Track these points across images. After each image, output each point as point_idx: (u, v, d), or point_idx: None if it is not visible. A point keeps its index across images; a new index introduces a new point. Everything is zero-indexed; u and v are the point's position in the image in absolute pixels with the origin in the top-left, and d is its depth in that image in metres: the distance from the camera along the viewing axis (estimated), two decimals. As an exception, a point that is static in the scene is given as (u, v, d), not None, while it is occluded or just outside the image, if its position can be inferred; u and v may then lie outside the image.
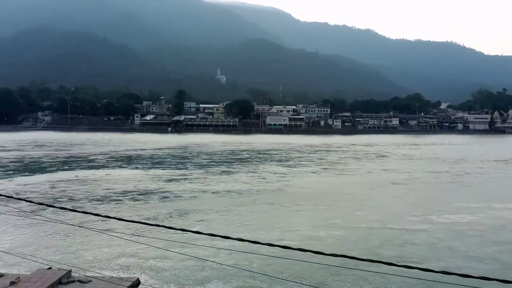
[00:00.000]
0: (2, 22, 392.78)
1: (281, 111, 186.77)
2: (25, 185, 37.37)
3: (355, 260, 5.35)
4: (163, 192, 34.34)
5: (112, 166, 52.79)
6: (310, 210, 28.22)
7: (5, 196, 8.97)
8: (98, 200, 31.10)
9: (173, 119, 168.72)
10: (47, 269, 16.86)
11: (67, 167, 50.90)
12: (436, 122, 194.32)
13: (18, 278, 16.24)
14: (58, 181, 39.77)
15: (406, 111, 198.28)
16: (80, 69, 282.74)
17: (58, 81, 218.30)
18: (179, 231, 6.56)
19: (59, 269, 16.56)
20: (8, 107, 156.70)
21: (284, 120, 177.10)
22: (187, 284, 15.77)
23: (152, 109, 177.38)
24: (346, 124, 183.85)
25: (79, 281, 16.23)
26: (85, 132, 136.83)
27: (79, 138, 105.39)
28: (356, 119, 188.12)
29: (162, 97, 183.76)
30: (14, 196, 29.62)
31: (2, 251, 14.70)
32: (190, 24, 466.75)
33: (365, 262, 5.58)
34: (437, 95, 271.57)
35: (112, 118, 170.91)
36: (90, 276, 15.96)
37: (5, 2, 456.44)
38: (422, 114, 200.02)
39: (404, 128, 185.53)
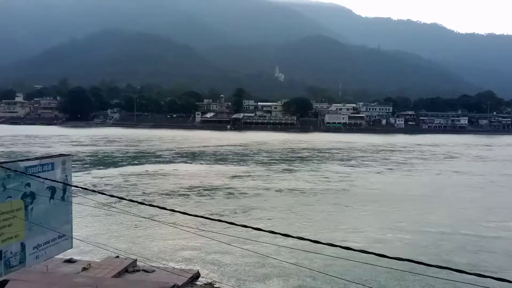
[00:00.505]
0: (76, 25, 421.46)
1: (341, 109, 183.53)
2: (101, 178, 40.23)
3: (422, 265, 5.15)
4: (227, 188, 35.40)
5: (178, 162, 55.21)
6: (376, 211, 27.78)
7: (83, 188, 9.77)
8: (166, 194, 32.78)
9: (232, 116, 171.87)
10: (115, 257, 18.31)
11: (137, 162, 54.01)
12: (510, 122, 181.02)
13: (89, 264, 17.80)
14: (129, 175, 42.39)
15: (476, 110, 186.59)
16: (145, 68, 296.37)
17: (126, 80, 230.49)
18: (241, 227, 6.75)
19: (126, 258, 17.92)
20: (81, 105, 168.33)
21: (343, 118, 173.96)
22: (246, 280, 16.16)
23: (212, 107, 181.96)
24: (410, 123, 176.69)
25: (143, 270, 17.45)
26: (150, 129, 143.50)
27: (145, 135, 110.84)
28: (421, 118, 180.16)
29: (221, 95, 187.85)
30: (92, 188, 32.21)
31: (79, 239, 16.16)
32: (249, 22, 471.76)
33: (434, 268, 5.26)
34: (511, 93, 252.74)
35: (174, 115, 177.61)
36: (154, 266, 17.13)
37: (79, 6, 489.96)
38: (495, 113, 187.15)
39: (473, 128, 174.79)
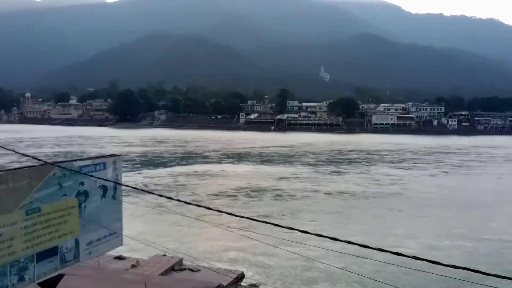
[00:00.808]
0: (125, 29, 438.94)
1: (389, 109, 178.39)
2: (151, 178, 41.59)
3: (481, 274, 4.87)
4: (275, 190, 35.42)
5: (225, 162, 56.00)
6: (432, 217, 26.72)
7: (133, 188, 9.99)
8: (214, 194, 33.28)
9: (276, 117, 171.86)
10: (162, 255, 18.76)
11: (185, 162, 55.35)
12: None
13: (138, 262, 18.35)
14: (178, 175, 43.50)
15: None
16: (191, 70, 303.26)
17: (172, 82, 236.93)
18: (288, 230, 6.66)
19: (173, 257, 18.32)
20: (130, 107, 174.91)
21: (391, 119, 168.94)
22: (292, 283, 15.99)
23: (256, 108, 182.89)
24: (463, 124, 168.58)
25: (189, 269, 17.76)
26: (195, 130, 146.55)
27: (191, 136, 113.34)
28: (476, 118, 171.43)
29: (265, 96, 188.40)
30: (142, 188, 33.39)
31: (129, 237, 16.74)
32: (294, 22, 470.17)
33: (493, 278, 5.00)
34: None
35: (219, 116, 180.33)
36: (199, 265, 17.38)
37: (127, 11, 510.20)
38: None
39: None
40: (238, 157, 63.73)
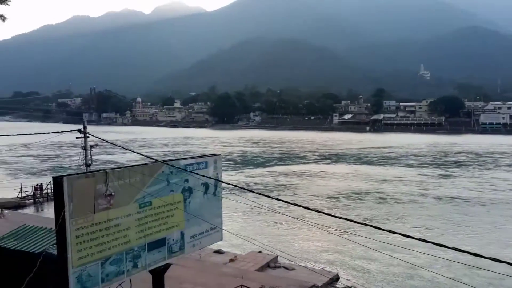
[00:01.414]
0: (223, 36, 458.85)
1: (500, 108, 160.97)
2: (252, 177, 42.84)
3: None
4: (378, 192, 34.11)
5: (323, 163, 55.53)
6: None
7: (233, 185, 10.05)
8: (314, 195, 33.09)
9: (372, 118, 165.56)
10: (258, 252, 19.06)
11: (283, 163, 56.07)
12: None
13: (235, 256, 18.86)
14: (278, 175, 44.21)
15: None
16: (285, 72, 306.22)
17: (266, 85, 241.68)
18: (391, 234, 6.22)
19: (268, 254, 18.51)
20: (227, 109, 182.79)
21: (503, 118, 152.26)
22: None
23: (350, 108, 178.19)
24: None
25: (284, 267, 17.77)
26: (289, 131, 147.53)
27: (285, 136, 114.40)
28: None
29: (360, 96, 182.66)
30: (241, 186, 34.50)
31: (230, 233, 17.28)
32: (391, 19, 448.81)
33: None
34: None
35: (312, 117, 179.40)
36: (294, 264, 17.29)
37: (225, 19, 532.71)
38: None
39: None
40: (336, 158, 62.63)
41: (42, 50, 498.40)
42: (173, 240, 11.17)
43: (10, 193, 33.67)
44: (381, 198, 31.78)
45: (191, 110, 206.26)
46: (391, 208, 28.35)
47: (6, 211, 27.74)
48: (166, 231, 10.89)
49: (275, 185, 37.97)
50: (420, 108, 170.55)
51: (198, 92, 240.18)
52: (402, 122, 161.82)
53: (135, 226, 9.97)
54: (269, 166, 52.42)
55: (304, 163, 55.52)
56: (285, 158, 62.29)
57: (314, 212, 7.05)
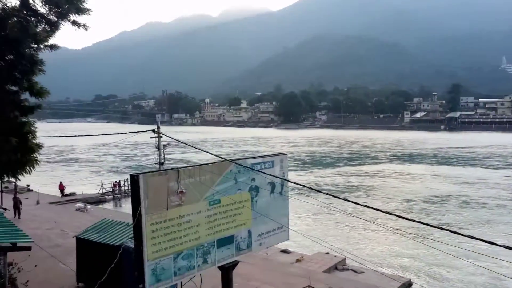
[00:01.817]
0: (288, 35, 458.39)
1: None
2: (322, 177, 42.44)
3: None
4: (460, 196, 32.15)
5: (397, 164, 53.44)
6: None
7: (300, 185, 9.77)
8: (389, 197, 31.94)
9: (447, 116, 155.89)
10: (325, 253, 18.70)
11: (353, 163, 54.84)
12: None
13: (302, 257, 18.67)
14: (349, 175, 43.38)
15: None
16: (352, 70, 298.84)
17: (333, 83, 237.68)
18: (474, 241, 5.72)
19: (336, 255, 18.08)
20: (293, 108, 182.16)
21: None
22: None
23: (423, 105, 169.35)
24: None
25: (352, 270, 17.24)
26: (356, 130, 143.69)
27: (354, 136, 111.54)
28: None
29: (434, 93, 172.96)
30: (309, 186, 33.83)
31: (297, 233, 17.18)
32: (467, 10, 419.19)
33: None
34: None
35: (381, 116, 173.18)
36: (363, 267, 16.69)
37: (291, 17, 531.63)
38: None
39: None
40: (410, 158, 59.84)
41: (119, 55, 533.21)
42: (241, 238, 11.39)
43: (92, 189, 36.42)
44: (464, 202, 29.76)
45: (257, 110, 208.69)
46: (476, 213, 26.44)
47: (89, 206, 30.12)
48: (234, 229, 11.14)
49: (346, 186, 37.19)
50: (502, 104, 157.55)
51: (264, 91, 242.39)
52: (481, 120, 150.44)
53: (205, 223, 10.31)
54: (339, 166, 51.51)
55: (376, 163, 53.76)
56: (356, 158, 60.78)
57: (387, 214, 6.80)
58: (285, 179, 12.51)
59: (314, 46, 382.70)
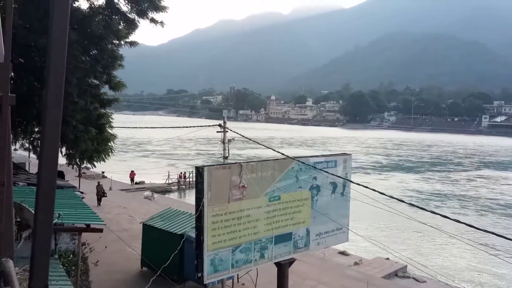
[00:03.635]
0: (361, 33, 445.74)
1: None
2: (405, 183, 40.90)
3: None
4: None
5: (488, 171, 50.00)
6: None
7: (363, 186, 8.64)
8: (484, 209, 29.96)
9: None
10: (385, 259, 17.97)
11: (436, 169, 52.18)
12: None
13: (361, 260, 18.11)
14: (434, 182, 41.47)
15: None
16: (426, 69, 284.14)
17: (404, 83, 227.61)
18: None
19: (397, 262, 17.29)
20: (360, 108, 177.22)
21: None
22: None
23: (504, 109, 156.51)
24: None
25: (414, 278, 16.37)
26: (427, 133, 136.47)
27: (428, 139, 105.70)
28: None
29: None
30: (372, 188, 32.60)
31: (357, 235, 16.71)
32: None
33: None
34: None
35: (456, 119, 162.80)
36: (425, 276, 15.78)
37: (363, 15, 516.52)
38: None
39: None
40: (501, 165, 55.40)
41: (192, 52, 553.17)
42: (299, 235, 11.37)
43: (160, 179, 38.29)
44: None
45: (322, 108, 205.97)
46: None
47: (155, 195, 31.72)
48: (292, 226, 11.15)
49: (433, 193, 35.46)
50: None
51: (331, 90, 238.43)
52: None
53: (264, 219, 10.44)
54: (421, 171, 49.26)
55: (464, 170, 50.50)
56: (438, 163, 57.83)
57: (467, 226, 6.39)
58: (348, 180, 12.26)
59: (386, 45, 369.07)
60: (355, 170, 48.05)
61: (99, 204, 24.71)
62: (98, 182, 26.39)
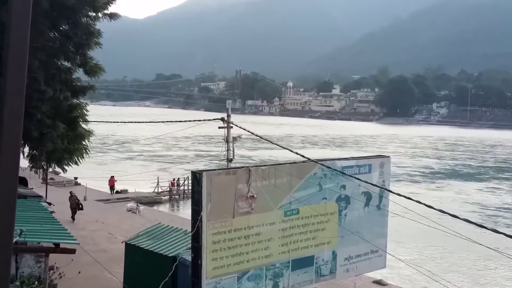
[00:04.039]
0: (401, 3, 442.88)
1: None
2: (466, 194, 40.56)
3: None
4: None
5: None
6: None
7: (407, 198, 8.56)
8: None
9: None
10: None
11: (504, 176, 51.70)
12: None
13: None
14: (503, 193, 41.11)
15: None
16: (485, 49, 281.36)
17: (457, 65, 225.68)
18: None
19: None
20: (401, 97, 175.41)
21: None
22: None
23: None
24: None
25: None
26: (488, 129, 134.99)
27: (491, 138, 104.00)
28: None
29: None
30: (416, 199, 32.20)
31: (402, 261, 16.61)
32: None
33: None
34: None
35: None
36: None
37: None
38: None
39: None
40: None
41: (187, 27, 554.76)
42: (322, 260, 11.34)
43: (147, 186, 38.45)
44: None
45: (353, 98, 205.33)
46: None
47: (141, 207, 31.91)
48: (314, 248, 11.12)
49: (499, 207, 35.19)
50: None
51: (364, 75, 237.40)
52: None
53: (279, 238, 10.42)
54: (486, 180, 48.80)
55: None
56: (506, 169, 57.45)
57: None
58: (385, 189, 12.19)
59: (434, 17, 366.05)
60: (398, 177, 47.87)
61: (73, 219, 24.84)
62: (71, 192, 26.50)
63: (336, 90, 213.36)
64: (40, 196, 18.00)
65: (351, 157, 12.86)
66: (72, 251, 9.85)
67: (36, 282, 9.46)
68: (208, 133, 77.69)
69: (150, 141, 66.61)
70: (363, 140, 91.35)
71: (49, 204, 16.81)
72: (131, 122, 23.84)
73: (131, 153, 65.62)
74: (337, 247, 11.58)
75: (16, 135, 2.32)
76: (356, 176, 11.52)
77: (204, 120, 16.81)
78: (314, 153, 60.77)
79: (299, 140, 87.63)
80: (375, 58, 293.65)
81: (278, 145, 13.67)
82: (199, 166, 49.73)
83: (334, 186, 11.42)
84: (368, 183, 11.50)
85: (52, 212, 13.87)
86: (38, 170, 20.02)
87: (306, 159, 10.74)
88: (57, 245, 9.72)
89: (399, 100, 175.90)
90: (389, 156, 13.18)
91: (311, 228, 11.03)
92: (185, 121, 18.05)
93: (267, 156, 58.58)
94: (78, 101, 17.11)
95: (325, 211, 11.26)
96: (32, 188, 19.85)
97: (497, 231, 7.28)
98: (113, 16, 16.42)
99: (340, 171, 11.27)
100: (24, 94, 2.29)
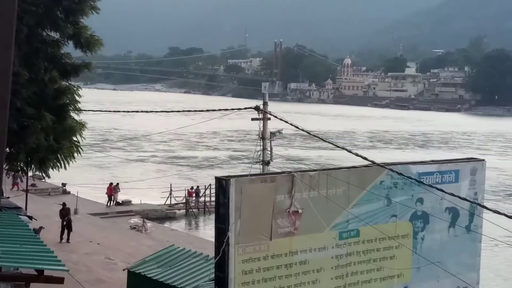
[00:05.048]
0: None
1: None
2: None
3: None
4: None
5: None
6: None
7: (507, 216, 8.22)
8: None
9: None
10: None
11: None
12: None
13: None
14: None
15: None
16: None
17: None
18: None
19: None
20: (501, 80, 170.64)
21: None
22: None
23: None
24: None
25: None
26: None
27: None
28: None
29: None
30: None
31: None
32: None
33: None
34: None
35: None
36: None
37: None
38: None
39: None
40: None
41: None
42: (391, 299, 11.27)
43: (156, 197, 38.66)
44: None
45: (434, 80, 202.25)
46: None
47: (149, 224, 32.11)
48: (380, 283, 11.06)
49: None
50: None
51: (449, 49, 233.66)
52: None
53: (331, 268, 10.40)
54: None
55: None
56: None
57: None
58: (479, 204, 11.98)
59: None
60: (503, 189, 46.99)
61: (62, 238, 25.07)
62: (64, 204, 26.62)
63: (411, 70, 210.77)
64: (19, 208, 18.31)
65: (431, 160, 12.68)
66: (60, 280, 10.02)
67: (14, 320, 9.69)
68: (242, 127, 77.84)
69: (166, 137, 67.12)
70: (454, 138, 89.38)
71: (30, 218, 17.12)
72: (139, 111, 23.98)
73: (142, 152, 66.00)
74: (411, 282, 11.48)
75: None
76: (438, 186, 11.36)
77: (232, 109, 16.77)
78: (384, 156, 59.87)
79: (365, 138, 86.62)
80: (466, 26, 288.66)
81: (330, 142, 13.58)
82: (236, 171, 49.67)
83: (408, 199, 11.30)
84: (455, 196, 11.31)
85: (35, 229, 14.16)
86: (12, 174, 20.20)
87: (370, 162, 10.59)
88: (40, 272, 9.90)
89: (499, 83, 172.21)
90: (483, 160, 12.94)
91: (376, 255, 10.95)
92: (207, 110, 18.10)
93: (319, 159, 58.45)
94: (68, 84, 17.30)
95: (395, 233, 11.16)
96: (8, 197, 20.26)
97: None
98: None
99: (416, 179, 11.11)
100: (11, 74, 2.34)
